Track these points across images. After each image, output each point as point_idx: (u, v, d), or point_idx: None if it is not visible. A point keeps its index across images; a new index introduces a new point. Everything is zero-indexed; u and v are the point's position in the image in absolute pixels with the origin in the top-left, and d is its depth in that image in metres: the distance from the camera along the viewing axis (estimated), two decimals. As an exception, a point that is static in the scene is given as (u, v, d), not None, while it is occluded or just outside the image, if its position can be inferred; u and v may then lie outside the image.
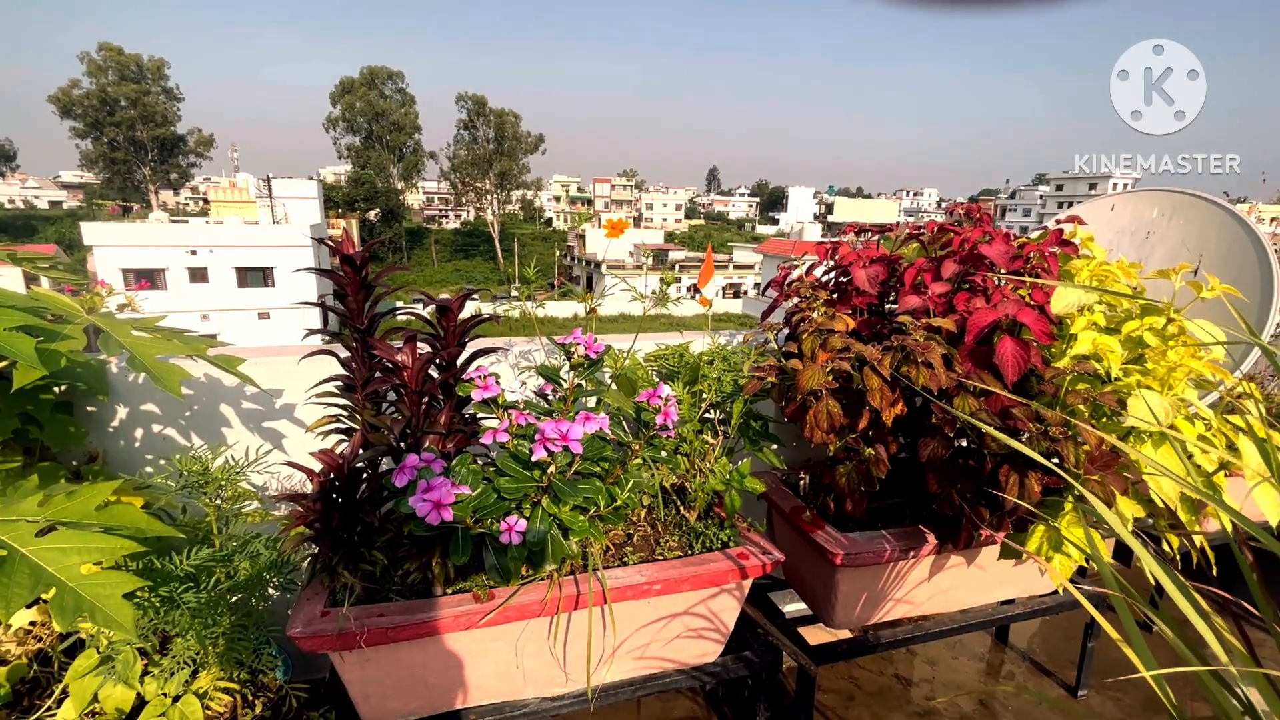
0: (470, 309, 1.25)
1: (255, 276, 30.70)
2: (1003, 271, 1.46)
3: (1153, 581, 1.34)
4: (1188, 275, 1.42)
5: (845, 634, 1.76)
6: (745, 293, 51.70)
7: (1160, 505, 1.25)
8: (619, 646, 1.36)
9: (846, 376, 1.33)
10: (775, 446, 1.68)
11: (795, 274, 1.71)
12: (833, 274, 1.77)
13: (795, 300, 1.64)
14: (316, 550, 1.15)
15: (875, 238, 1.75)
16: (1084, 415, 1.27)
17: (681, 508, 1.55)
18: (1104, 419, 1.29)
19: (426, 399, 1.14)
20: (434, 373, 1.25)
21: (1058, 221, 1.61)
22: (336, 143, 63.37)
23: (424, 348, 1.21)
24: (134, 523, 0.95)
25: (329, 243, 1.16)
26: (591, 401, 1.75)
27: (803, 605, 1.90)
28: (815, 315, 1.50)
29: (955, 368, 1.34)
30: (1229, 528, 1.28)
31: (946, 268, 1.50)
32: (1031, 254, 1.51)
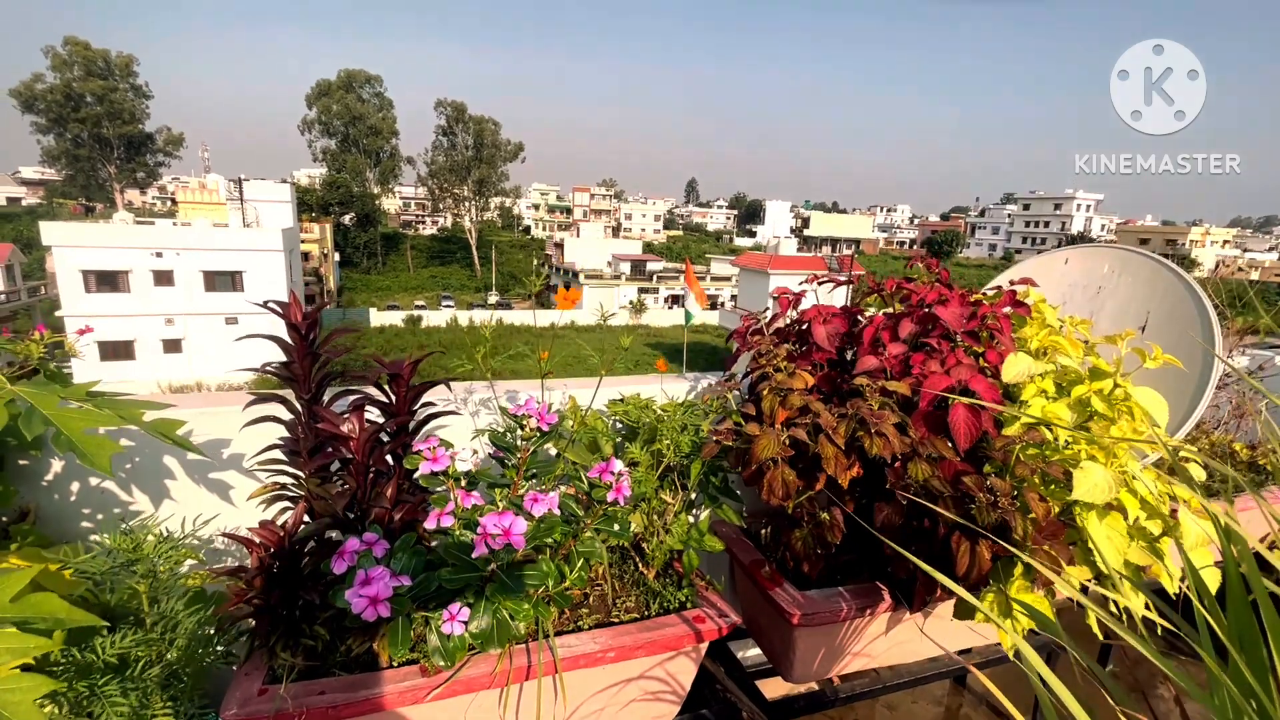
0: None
1: (224, 280, 30.01)
2: (958, 334, 1.48)
3: (1100, 635, 1.36)
4: (1134, 341, 1.46)
5: (804, 688, 1.76)
6: (723, 304, 52.10)
7: (1106, 571, 1.28)
8: (572, 714, 1.33)
9: (803, 441, 1.33)
10: (738, 500, 1.68)
11: (756, 326, 1.71)
12: (794, 324, 1.78)
13: (756, 354, 1.64)
14: (255, 625, 1.11)
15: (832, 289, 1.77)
16: (1034, 484, 1.30)
17: (640, 565, 1.54)
18: (1052, 486, 1.31)
19: (373, 470, 1.11)
20: (385, 436, 1.22)
21: (1011, 282, 1.64)
22: (312, 145, 62.43)
23: (374, 414, 1.19)
24: (54, 613, 0.90)
25: (273, 307, 1.12)
26: (553, 450, 1.73)
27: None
28: (775, 374, 1.50)
29: (910, 433, 1.36)
30: (1172, 589, 1.31)
31: (904, 327, 1.52)
32: (986, 315, 1.54)
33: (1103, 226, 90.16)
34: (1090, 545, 1.24)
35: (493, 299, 54.05)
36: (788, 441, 1.33)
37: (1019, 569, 1.31)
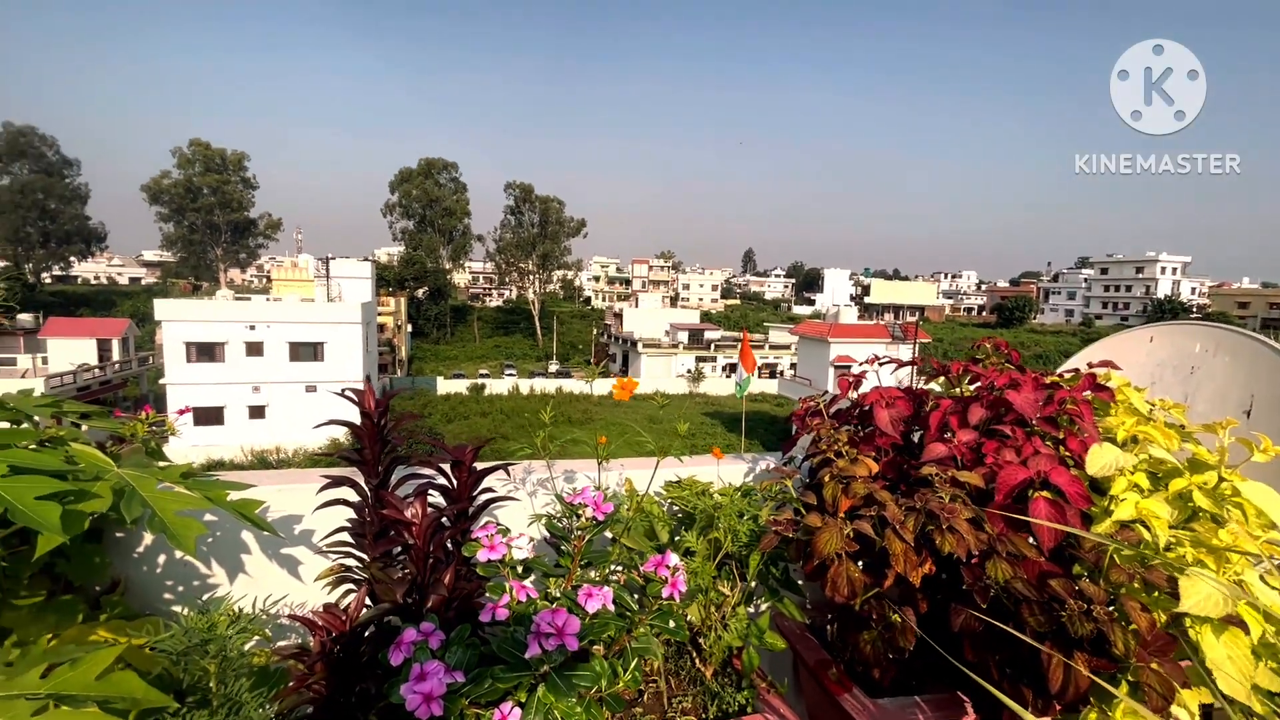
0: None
1: (306, 351, 32.16)
2: (1033, 421, 1.40)
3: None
4: (1237, 430, 1.34)
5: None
6: (781, 373, 51.41)
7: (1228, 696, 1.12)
8: (624, 826, 1.25)
9: (868, 535, 1.27)
10: (800, 593, 1.60)
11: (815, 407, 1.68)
12: (855, 406, 1.73)
13: (815, 437, 1.60)
14: (311, 712, 1.12)
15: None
16: (1134, 591, 1.17)
17: (697, 660, 1.47)
18: (1156, 594, 1.19)
19: (433, 557, 1.13)
20: (446, 522, 1.25)
21: (1089, 364, 1.56)
22: (392, 226, 67.62)
23: (436, 499, 1.22)
24: (132, 692, 0.94)
25: (349, 395, 1.19)
26: (609, 534, 1.71)
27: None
28: (837, 459, 1.45)
29: (986, 528, 1.27)
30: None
31: (973, 413, 1.46)
32: (1064, 400, 1.46)
33: (1193, 290, 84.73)
34: (1208, 665, 1.09)
35: (553, 368, 55.49)
36: (851, 535, 1.27)
37: (1124, 689, 1.17)
